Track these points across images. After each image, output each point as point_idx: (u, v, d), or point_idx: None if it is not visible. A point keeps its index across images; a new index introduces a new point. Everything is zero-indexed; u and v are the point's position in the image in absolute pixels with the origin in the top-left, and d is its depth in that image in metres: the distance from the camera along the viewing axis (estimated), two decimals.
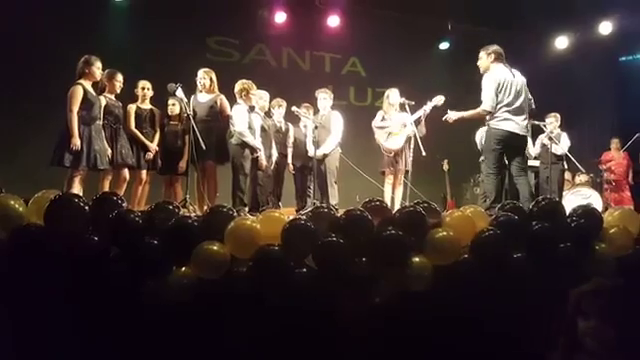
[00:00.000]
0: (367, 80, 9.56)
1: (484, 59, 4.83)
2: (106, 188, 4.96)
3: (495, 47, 4.82)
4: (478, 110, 4.74)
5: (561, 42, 9.23)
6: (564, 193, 7.35)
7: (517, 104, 4.65)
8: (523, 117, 4.70)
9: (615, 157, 8.22)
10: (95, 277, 2.65)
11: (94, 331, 2.63)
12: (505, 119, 4.62)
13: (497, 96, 4.61)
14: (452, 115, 4.93)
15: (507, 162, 4.90)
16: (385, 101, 6.20)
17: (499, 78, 4.63)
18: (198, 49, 8.22)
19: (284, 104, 6.34)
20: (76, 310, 2.67)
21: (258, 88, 5.66)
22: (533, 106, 4.95)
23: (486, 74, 4.74)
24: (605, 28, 8.67)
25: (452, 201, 8.51)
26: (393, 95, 6.11)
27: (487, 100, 4.64)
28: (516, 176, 4.83)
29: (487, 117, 4.75)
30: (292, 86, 7.87)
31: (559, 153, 6.77)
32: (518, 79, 4.74)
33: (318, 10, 8.61)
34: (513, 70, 4.77)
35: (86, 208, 2.86)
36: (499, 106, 4.63)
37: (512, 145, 4.73)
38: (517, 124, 4.65)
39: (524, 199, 4.44)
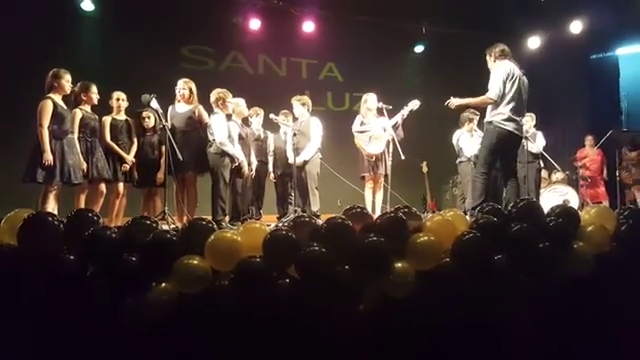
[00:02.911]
0: (344, 85, 9.61)
1: (489, 60, 4.85)
2: (82, 203, 4.88)
3: (499, 47, 4.81)
4: (483, 97, 4.70)
5: (533, 42, 9.40)
6: (541, 191, 7.46)
7: (520, 104, 4.64)
8: (522, 118, 4.70)
9: (590, 154, 8.37)
10: (72, 297, 2.59)
11: (73, 352, 2.56)
12: (510, 119, 4.59)
13: (505, 86, 4.59)
14: (455, 101, 4.86)
15: (499, 163, 4.86)
16: (363, 106, 6.23)
17: (507, 69, 4.63)
18: (172, 58, 8.19)
19: (261, 112, 6.35)
20: (54, 331, 2.61)
21: (235, 96, 5.64)
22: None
23: (494, 66, 4.73)
24: (576, 27, 8.85)
25: (433, 202, 8.59)
26: (371, 100, 6.13)
27: (494, 88, 4.61)
28: (507, 179, 4.81)
29: (490, 114, 4.70)
30: (269, 93, 7.88)
31: (535, 151, 6.86)
32: (525, 79, 4.75)
33: (293, 16, 8.63)
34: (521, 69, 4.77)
35: (61, 226, 2.78)
36: (505, 102, 4.59)
37: (509, 146, 4.72)
38: (518, 125, 4.64)
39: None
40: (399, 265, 3.03)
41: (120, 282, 2.60)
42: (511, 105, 4.59)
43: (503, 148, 4.67)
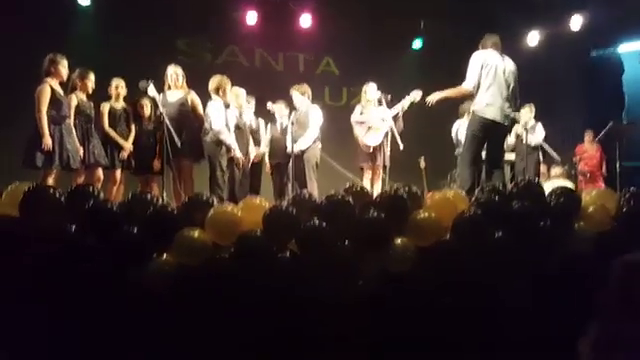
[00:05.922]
0: (341, 80, 9.52)
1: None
2: None
3: (488, 37, 4.75)
4: (459, 87, 4.67)
5: (533, 38, 9.39)
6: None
7: (504, 92, 4.58)
8: (508, 105, 4.62)
9: (589, 149, 8.34)
10: (73, 268, 2.57)
11: (73, 323, 2.54)
12: (490, 105, 4.53)
13: (480, 76, 4.54)
14: (433, 96, 4.78)
15: (485, 152, 4.80)
16: (363, 96, 6.21)
17: (484, 58, 4.58)
18: (169, 52, 8.10)
19: (252, 101, 6.27)
20: (53, 303, 2.59)
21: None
22: (517, 99, 4.80)
23: (473, 54, 4.69)
24: (575, 23, 8.85)
25: None
26: (370, 90, 6.11)
27: (469, 78, 4.58)
28: (492, 168, 4.76)
29: (473, 103, 4.67)
30: (266, 87, 7.80)
31: (534, 144, 6.86)
32: (508, 66, 4.67)
33: (290, 10, 8.59)
34: (504, 56, 4.71)
35: (61, 199, 2.77)
36: (483, 89, 4.54)
37: (493, 134, 4.66)
38: (501, 111, 4.56)
39: None
40: (399, 241, 3.03)
41: (121, 253, 2.59)
42: (490, 92, 4.55)
43: (485, 136, 4.64)
